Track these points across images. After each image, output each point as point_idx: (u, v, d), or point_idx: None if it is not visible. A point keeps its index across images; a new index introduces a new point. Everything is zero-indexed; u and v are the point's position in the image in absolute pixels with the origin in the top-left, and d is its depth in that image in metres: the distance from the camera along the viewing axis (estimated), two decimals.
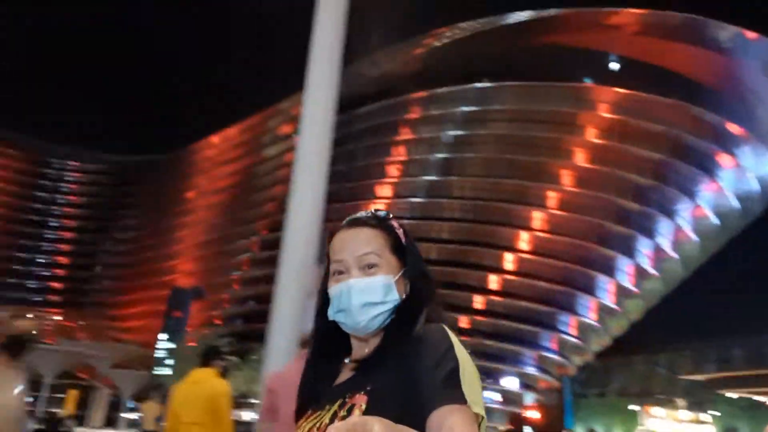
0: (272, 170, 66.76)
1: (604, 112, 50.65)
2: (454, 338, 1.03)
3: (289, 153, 66.14)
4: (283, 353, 4.87)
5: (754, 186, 52.60)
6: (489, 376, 51.40)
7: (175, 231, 75.54)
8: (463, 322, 51.01)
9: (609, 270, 51.57)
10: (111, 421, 50.40)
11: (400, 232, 1.16)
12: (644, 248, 51.46)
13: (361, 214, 1.18)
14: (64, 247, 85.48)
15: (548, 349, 51.61)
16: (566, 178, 51.08)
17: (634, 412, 39.49)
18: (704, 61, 48.38)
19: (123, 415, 50.77)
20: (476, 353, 50.22)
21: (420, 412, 0.93)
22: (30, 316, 69.24)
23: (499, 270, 51.34)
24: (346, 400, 1.02)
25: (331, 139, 6.11)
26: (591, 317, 52.16)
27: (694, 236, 51.90)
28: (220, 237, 67.06)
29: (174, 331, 43.77)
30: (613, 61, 52.17)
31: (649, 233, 50.52)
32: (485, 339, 50.65)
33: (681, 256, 52.20)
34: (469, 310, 50.93)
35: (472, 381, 0.98)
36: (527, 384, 51.32)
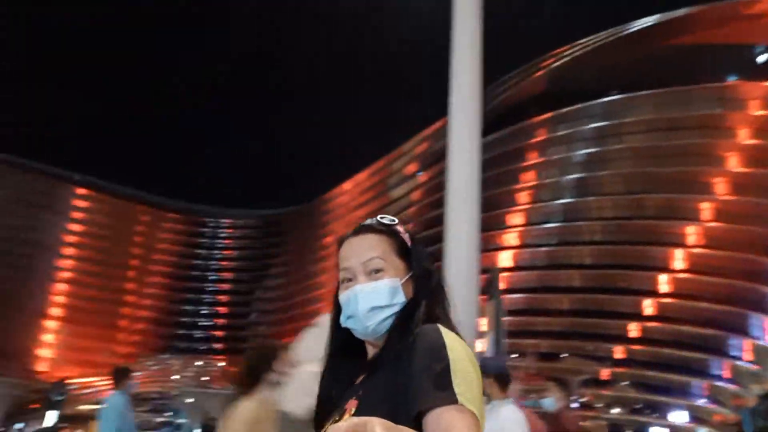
0: (401, 210, 68.42)
1: (756, 110, 45.92)
2: (447, 336, 1.00)
3: (416, 191, 67.63)
4: None
5: None
6: (654, 410, 47.37)
7: (318, 276, 79.58)
8: (618, 351, 47.84)
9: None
10: None
11: (406, 236, 1.20)
12: None
13: (367, 221, 1.22)
14: (222, 298, 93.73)
15: (720, 378, 46.46)
16: (720, 186, 46.68)
17: None
18: None
19: None
20: (636, 385, 46.77)
21: (410, 414, 0.91)
22: (199, 363, 76.13)
23: (653, 293, 47.67)
24: (345, 406, 1.05)
25: (479, 169, 6.24)
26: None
27: None
28: None
29: None
30: (761, 53, 47.46)
31: None
32: (645, 369, 46.93)
33: None
34: (623, 339, 47.69)
35: (465, 378, 0.94)
36: (698, 417, 46.47)
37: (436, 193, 62.24)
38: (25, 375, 71.93)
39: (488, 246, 54.39)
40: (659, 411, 47.40)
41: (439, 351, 0.97)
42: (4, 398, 59.84)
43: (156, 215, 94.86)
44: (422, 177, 67.68)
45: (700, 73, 46.35)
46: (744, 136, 46.23)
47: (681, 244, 47.55)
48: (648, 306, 47.87)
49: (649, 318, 47.45)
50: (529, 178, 54.28)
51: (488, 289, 6.00)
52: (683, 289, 46.54)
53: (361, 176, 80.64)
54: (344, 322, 1.16)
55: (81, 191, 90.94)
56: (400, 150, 73.70)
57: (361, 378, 1.13)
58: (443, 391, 0.91)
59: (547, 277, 49.87)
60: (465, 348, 1.01)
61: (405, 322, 1.09)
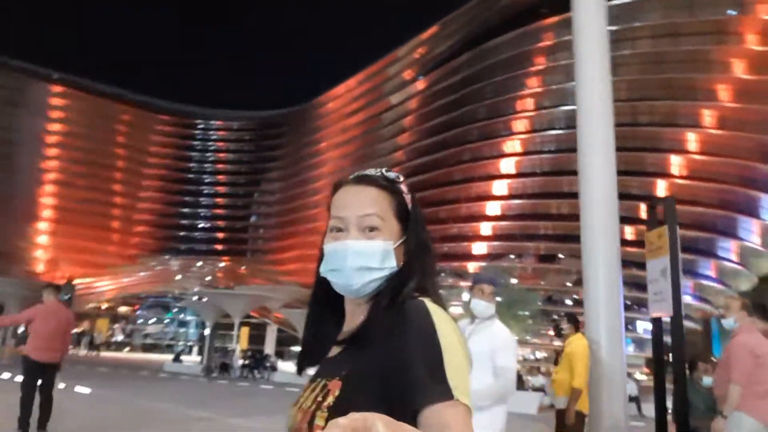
0: (398, 117, 67.64)
1: (765, 14, 45.56)
2: (436, 315, 0.97)
3: (414, 98, 66.50)
4: (599, 298, 6.12)
5: None
6: (642, 306, 50.89)
7: (314, 181, 79.53)
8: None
9: None
10: (281, 353, 57.06)
11: (408, 197, 1.11)
12: None
13: (371, 171, 1.13)
14: (220, 200, 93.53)
15: (707, 277, 49.62)
16: (724, 94, 47.17)
17: None
18: None
19: (295, 348, 56.82)
20: (628, 285, 49.79)
21: (401, 408, 0.88)
22: (199, 264, 77.73)
23: (648, 198, 49.40)
24: (327, 383, 1.00)
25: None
26: (754, 241, 49.14)
27: None
28: None
29: None
30: None
31: None
32: (636, 269, 49.73)
33: None
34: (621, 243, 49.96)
35: (457, 367, 0.93)
36: (685, 314, 50.05)
37: (437, 100, 61.56)
38: (26, 276, 72.81)
39: (492, 153, 55.10)
40: (647, 307, 50.86)
41: (431, 337, 0.94)
42: (11, 298, 61.13)
43: (140, 115, 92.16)
44: (421, 83, 66.30)
45: None
46: (751, 42, 46.13)
47: (680, 151, 48.76)
48: (643, 211, 49.74)
49: (644, 222, 49.52)
50: (534, 84, 53.94)
51: (652, 218, 6.40)
52: (678, 194, 48.28)
53: (353, 81, 78.23)
54: (324, 272, 1.10)
55: (58, 89, 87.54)
56: (394, 54, 71.25)
57: (341, 349, 1.07)
58: (438, 386, 0.89)
59: (549, 183, 51.11)
60: (452, 325, 0.98)
61: (394, 292, 1.04)
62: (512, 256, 53.28)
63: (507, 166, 54.97)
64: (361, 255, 1.04)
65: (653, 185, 49.39)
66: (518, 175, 53.71)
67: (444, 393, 0.88)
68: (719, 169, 47.12)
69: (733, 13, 45.83)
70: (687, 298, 49.79)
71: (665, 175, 49.01)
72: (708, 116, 48.02)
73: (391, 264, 1.06)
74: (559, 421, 5.22)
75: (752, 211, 48.47)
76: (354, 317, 1.09)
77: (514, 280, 53.88)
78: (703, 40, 46.50)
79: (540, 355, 50.29)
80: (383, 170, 1.12)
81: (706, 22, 45.97)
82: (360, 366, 0.98)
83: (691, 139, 48.69)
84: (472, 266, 54.47)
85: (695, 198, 47.64)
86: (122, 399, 13.69)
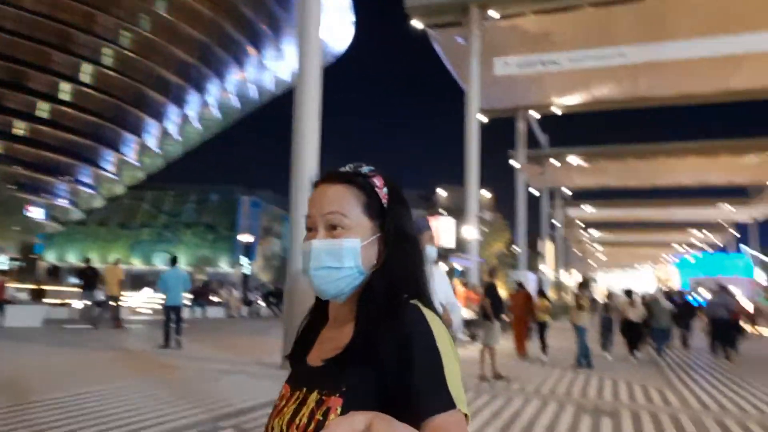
0: None
1: None
2: (433, 324, 0.93)
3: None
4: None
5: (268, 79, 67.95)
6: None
7: None
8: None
9: (135, 130, 58.91)
10: None
11: (382, 191, 1.04)
12: (173, 116, 61.12)
13: (343, 168, 1.07)
14: None
15: (85, 184, 57.46)
16: (125, 40, 54.90)
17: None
18: None
19: None
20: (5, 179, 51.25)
21: (405, 417, 0.78)
22: None
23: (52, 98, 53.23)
24: (323, 397, 0.92)
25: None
26: (132, 156, 59.75)
27: (216, 112, 64.74)
28: None
29: None
30: None
31: (180, 103, 60.41)
32: (23, 168, 51.89)
33: (203, 125, 64.71)
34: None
35: (454, 374, 0.89)
36: (54, 216, 56.73)
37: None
38: None
39: None
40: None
41: (432, 345, 0.90)
42: None
43: None
44: None
45: None
46: (162, 8, 54.49)
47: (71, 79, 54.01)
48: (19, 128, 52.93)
49: (42, 120, 53.13)
50: None
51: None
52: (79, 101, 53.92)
53: None
54: (301, 272, 1.09)
55: None
56: None
57: (329, 357, 0.97)
58: (441, 395, 0.86)
59: None
60: (445, 330, 0.95)
61: (381, 296, 0.98)
62: None
63: None
64: (323, 255, 1.01)
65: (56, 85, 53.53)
66: None
67: (446, 403, 0.86)
68: (99, 105, 54.73)
69: None
70: (64, 201, 57.36)
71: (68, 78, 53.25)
72: (105, 54, 54.90)
73: (355, 263, 1.01)
74: None
75: (114, 145, 57.77)
76: (337, 320, 1.06)
77: None
78: None
79: None
80: (355, 164, 1.08)
81: None
82: (360, 379, 0.92)
83: (86, 71, 54.61)
84: None
85: (86, 107, 53.78)
86: None
